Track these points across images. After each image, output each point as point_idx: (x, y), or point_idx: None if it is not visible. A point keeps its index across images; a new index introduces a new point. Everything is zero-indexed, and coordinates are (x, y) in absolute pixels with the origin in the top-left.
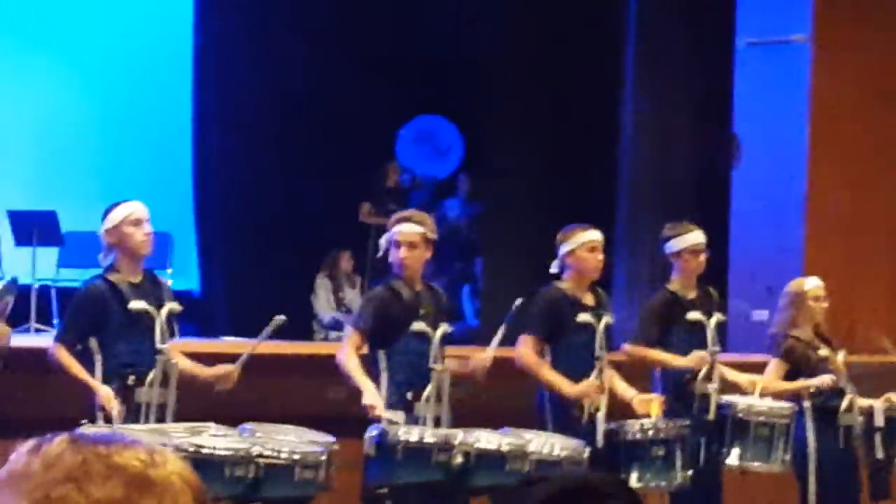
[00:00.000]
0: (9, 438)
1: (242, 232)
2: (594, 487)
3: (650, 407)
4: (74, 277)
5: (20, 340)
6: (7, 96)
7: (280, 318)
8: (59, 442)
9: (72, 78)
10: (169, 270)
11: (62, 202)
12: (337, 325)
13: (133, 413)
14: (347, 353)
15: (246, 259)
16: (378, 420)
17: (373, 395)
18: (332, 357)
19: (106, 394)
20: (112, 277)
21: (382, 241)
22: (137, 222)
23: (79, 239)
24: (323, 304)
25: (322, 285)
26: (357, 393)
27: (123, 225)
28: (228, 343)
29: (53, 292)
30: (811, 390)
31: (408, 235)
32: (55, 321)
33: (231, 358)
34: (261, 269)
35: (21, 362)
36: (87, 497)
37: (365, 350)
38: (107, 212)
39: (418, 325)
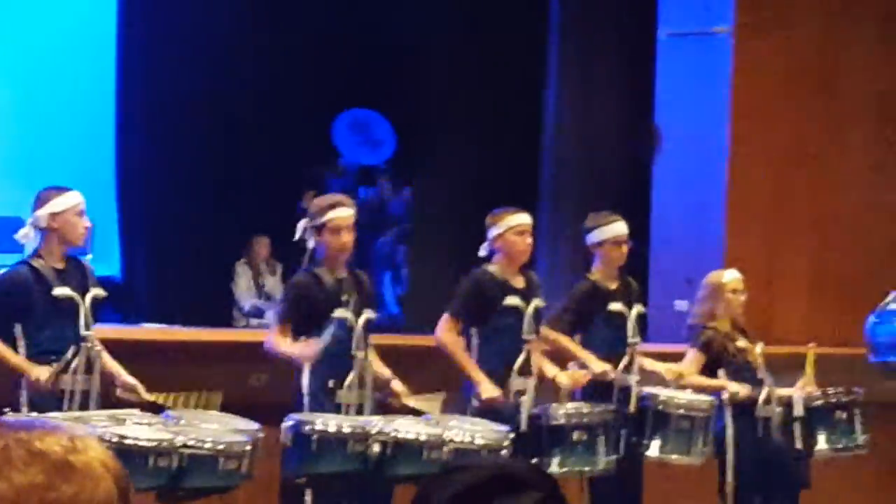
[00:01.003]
0: None
1: (164, 218)
2: (513, 476)
3: (574, 379)
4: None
5: None
6: None
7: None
8: None
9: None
10: (89, 256)
11: None
12: (257, 313)
13: (56, 400)
14: (275, 342)
15: (168, 245)
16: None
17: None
18: (253, 344)
19: (41, 371)
20: (36, 263)
21: (302, 225)
22: (81, 213)
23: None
24: (243, 291)
25: (242, 272)
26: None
27: (69, 214)
28: (149, 329)
29: None
30: (726, 396)
31: (346, 219)
32: None
33: (152, 345)
34: (182, 255)
35: None
36: (8, 483)
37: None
38: (46, 196)
39: (340, 312)
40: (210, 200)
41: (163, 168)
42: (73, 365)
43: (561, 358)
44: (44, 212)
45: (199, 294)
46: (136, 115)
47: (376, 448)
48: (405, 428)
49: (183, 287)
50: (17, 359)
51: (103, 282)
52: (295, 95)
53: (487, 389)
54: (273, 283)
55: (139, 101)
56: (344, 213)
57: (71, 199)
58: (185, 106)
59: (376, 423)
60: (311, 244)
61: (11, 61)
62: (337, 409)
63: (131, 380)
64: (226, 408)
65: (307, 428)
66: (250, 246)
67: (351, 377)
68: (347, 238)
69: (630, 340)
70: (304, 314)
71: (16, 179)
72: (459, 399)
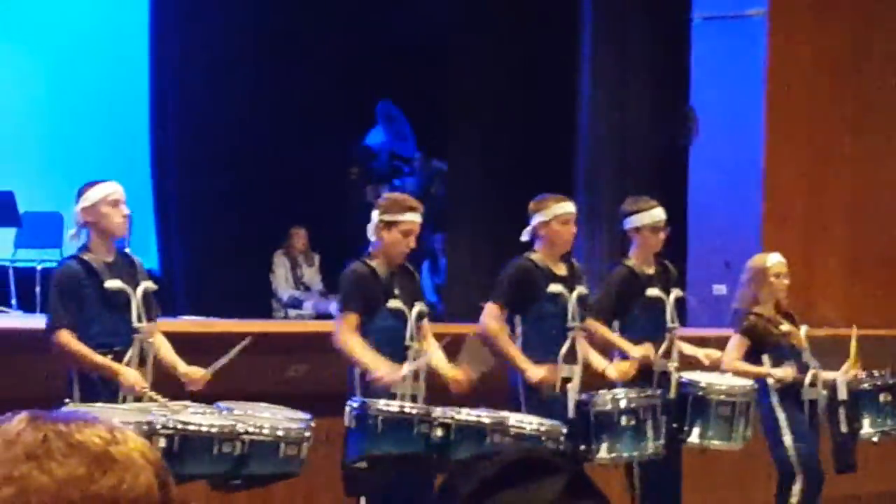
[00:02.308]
0: None
1: (202, 210)
2: (538, 460)
3: (622, 371)
4: (31, 258)
5: (3, 322)
6: None
7: (247, 340)
8: (18, 420)
9: (26, 57)
10: (127, 249)
11: (19, 183)
12: (295, 303)
13: (111, 392)
14: (345, 335)
15: (205, 238)
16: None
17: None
18: (292, 335)
19: (133, 376)
20: (86, 257)
21: (376, 217)
22: (115, 203)
23: (36, 219)
24: (281, 282)
25: (280, 263)
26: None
27: (102, 205)
28: (188, 322)
29: (11, 272)
30: (772, 381)
31: (417, 225)
32: (13, 302)
33: (190, 337)
34: (220, 247)
35: (5, 344)
36: (48, 475)
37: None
38: (82, 190)
39: (394, 303)
40: (247, 192)
41: (199, 161)
42: (126, 357)
43: (600, 347)
44: (80, 206)
45: (237, 286)
46: (170, 108)
47: (440, 431)
48: (467, 411)
49: (221, 279)
50: (103, 360)
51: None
52: (331, 85)
53: (534, 373)
54: (311, 274)
55: (174, 94)
56: (417, 219)
57: (102, 190)
58: (220, 99)
59: (437, 408)
60: (372, 236)
61: (47, 57)
62: (392, 398)
63: (191, 371)
64: (265, 398)
65: (372, 409)
66: (288, 237)
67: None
68: (412, 243)
69: (669, 326)
70: (360, 304)
71: (55, 175)
72: (509, 391)
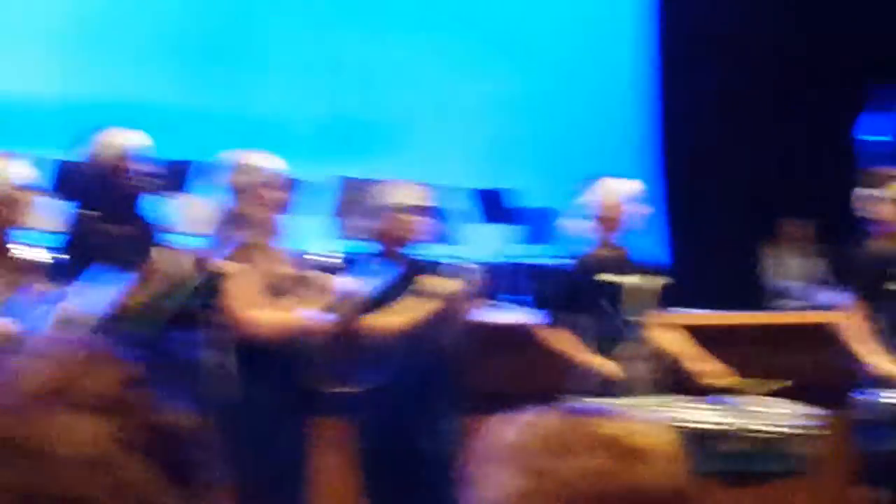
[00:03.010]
0: (491, 414)
1: (711, 200)
2: None
3: None
4: (537, 254)
5: (494, 317)
6: (462, 75)
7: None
8: (545, 415)
9: (528, 48)
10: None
11: (513, 180)
12: (791, 293)
13: (605, 386)
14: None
15: (712, 230)
16: None
17: None
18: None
19: (611, 367)
20: (584, 251)
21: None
22: (634, 201)
23: (529, 216)
24: (778, 271)
25: (775, 253)
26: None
27: (624, 203)
28: (698, 315)
29: (516, 269)
30: None
31: None
32: (506, 297)
33: (701, 330)
34: (724, 239)
35: (498, 338)
36: (574, 468)
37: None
38: (593, 186)
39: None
40: (748, 183)
41: (709, 156)
42: (620, 350)
43: None
44: (594, 202)
45: (733, 277)
46: (681, 104)
47: None
48: None
49: (725, 271)
50: (584, 355)
51: (652, 268)
52: (827, 75)
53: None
54: (803, 264)
55: (684, 90)
56: None
57: (621, 187)
58: (729, 93)
59: None
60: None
61: (547, 47)
62: None
63: (699, 366)
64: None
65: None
66: (785, 228)
67: None
68: None
69: None
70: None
71: (547, 172)
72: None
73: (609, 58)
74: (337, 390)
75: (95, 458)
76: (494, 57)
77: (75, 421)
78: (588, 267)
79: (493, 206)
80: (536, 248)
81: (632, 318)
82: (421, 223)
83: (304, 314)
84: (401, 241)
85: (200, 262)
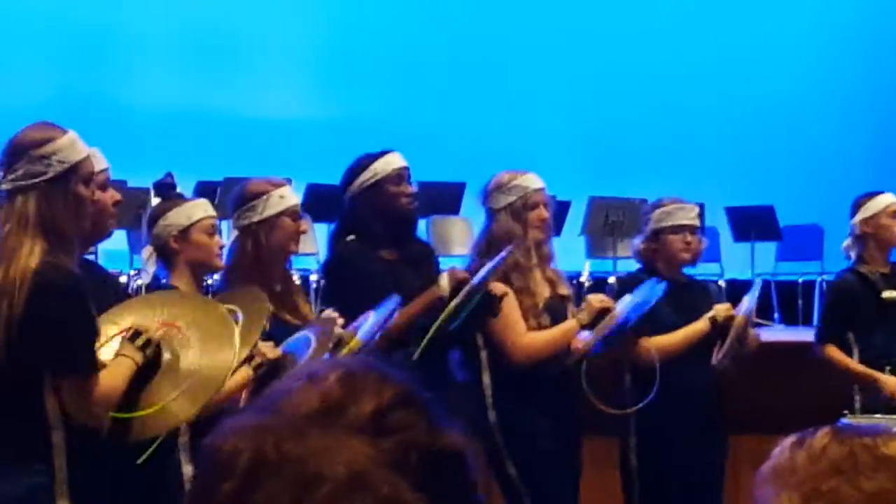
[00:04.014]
0: (767, 434)
1: None
2: None
3: None
4: (793, 272)
5: (769, 335)
6: (708, 92)
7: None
8: (822, 435)
9: (790, 63)
10: None
11: (780, 197)
12: None
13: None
14: None
15: None
16: None
17: None
18: None
19: (893, 384)
20: (862, 269)
21: None
22: (894, 214)
23: (797, 233)
24: None
25: None
26: None
27: (881, 216)
28: None
29: (773, 287)
30: None
31: None
32: (776, 315)
33: None
34: None
35: (770, 357)
36: (857, 489)
37: None
38: (861, 202)
39: None
40: None
41: None
42: None
43: None
44: (859, 218)
45: None
46: None
47: None
48: None
49: None
50: (865, 370)
51: None
52: None
53: None
54: None
55: None
56: None
57: (884, 200)
58: None
59: None
60: None
61: (812, 60)
62: None
63: None
64: None
65: None
66: None
67: None
68: None
69: None
70: None
71: (815, 188)
72: None
73: (880, 68)
74: (608, 410)
75: (357, 478)
76: (749, 73)
77: (340, 442)
78: (869, 284)
79: (747, 224)
80: (802, 266)
81: None
82: (696, 242)
83: (574, 335)
84: (676, 261)
85: (467, 284)
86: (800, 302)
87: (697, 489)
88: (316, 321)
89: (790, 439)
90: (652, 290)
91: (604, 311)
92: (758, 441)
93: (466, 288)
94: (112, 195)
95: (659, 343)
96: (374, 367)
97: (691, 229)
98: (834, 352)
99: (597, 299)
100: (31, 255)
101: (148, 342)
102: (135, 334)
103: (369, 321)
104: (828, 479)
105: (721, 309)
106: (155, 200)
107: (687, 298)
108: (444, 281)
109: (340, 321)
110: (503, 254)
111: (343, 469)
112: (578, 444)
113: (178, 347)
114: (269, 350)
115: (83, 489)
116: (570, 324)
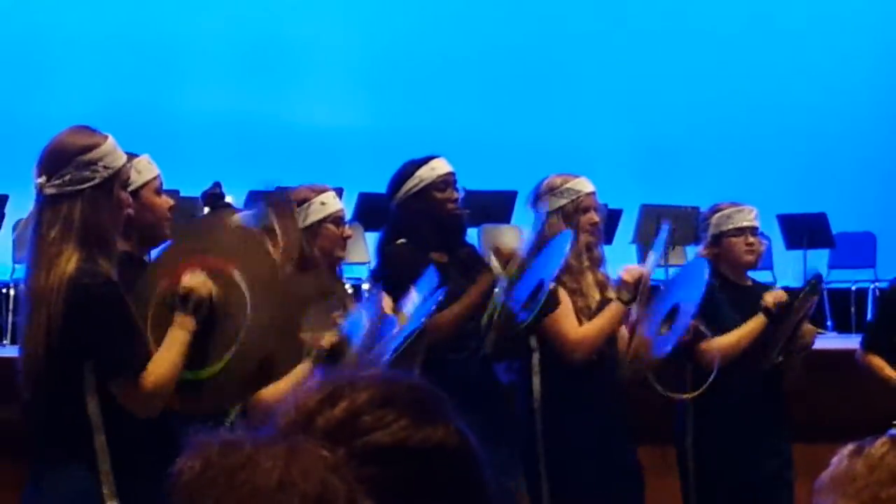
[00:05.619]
0: (821, 443)
1: None
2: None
3: None
4: (846, 279)
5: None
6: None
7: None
8: (880, 444)
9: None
10: None
11: (832, 204)
12: None
13: None
14: None
15: None
16: None
17: None
18: None
19: None
20: None
21: None
22: None
23: (849, 240)
24: None
25: None
26: None
27: None
28: None
29: (825, 294)
30: None
31: None
32: (828, 323)
33: None
34: None
35: (824, 364)
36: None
37: None
38: None
39: None
40: None
41: None
42: None
43: None
44: None
45: None
46: None
47: None
48: None
49: None
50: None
51: None
52: None
53: None
54: None
55: None
56: None
57: None
58: None
59: None
60: None
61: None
62: None
63: None
64: None
65: None
66: None
67: None
68: None
69: None
70: None
71: (868, 195)
72: None
73: None
74: (673, 396)
75: (317, 491)
76: (801, 81)
77: (305, 451)
78: None
79: (799, 231)
80: (855, 273)
81: None
82: (758, 244)
83: (620, 316)
84: (739, 263)
85: (516, 258)
86: (852, 309)
87: (761, 497)
88: (365, 302)
89: (848, 448)
90: (715, 294)
91: (639, 281)
92: (812, 450)
93: (517, 259)
94: (166, 200)
95: (719, 344)
96: (359, 371)
97: (752, 231)
98: (875, 360)
99: (628, 273)
100: (69, 261)
101: (199, 304)
102: (183, 298)
103: (414, 300)
104: (887, 488)
105: (770, 297)
106: (204, 211)
107: (751, 302)
108: (494, 261)
109: (389, 302)
110: (559, 238)
111: (298, 480)
112: (628, 460)
113: (228, 293)
114: (326, 338)
115: (129, 492)
116: (614, 306)
